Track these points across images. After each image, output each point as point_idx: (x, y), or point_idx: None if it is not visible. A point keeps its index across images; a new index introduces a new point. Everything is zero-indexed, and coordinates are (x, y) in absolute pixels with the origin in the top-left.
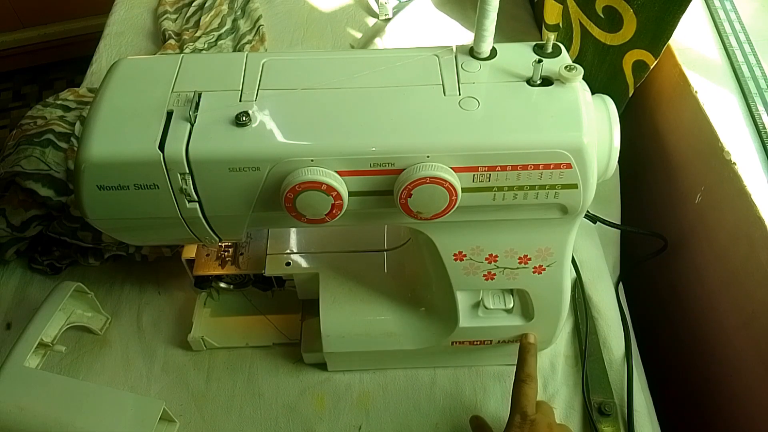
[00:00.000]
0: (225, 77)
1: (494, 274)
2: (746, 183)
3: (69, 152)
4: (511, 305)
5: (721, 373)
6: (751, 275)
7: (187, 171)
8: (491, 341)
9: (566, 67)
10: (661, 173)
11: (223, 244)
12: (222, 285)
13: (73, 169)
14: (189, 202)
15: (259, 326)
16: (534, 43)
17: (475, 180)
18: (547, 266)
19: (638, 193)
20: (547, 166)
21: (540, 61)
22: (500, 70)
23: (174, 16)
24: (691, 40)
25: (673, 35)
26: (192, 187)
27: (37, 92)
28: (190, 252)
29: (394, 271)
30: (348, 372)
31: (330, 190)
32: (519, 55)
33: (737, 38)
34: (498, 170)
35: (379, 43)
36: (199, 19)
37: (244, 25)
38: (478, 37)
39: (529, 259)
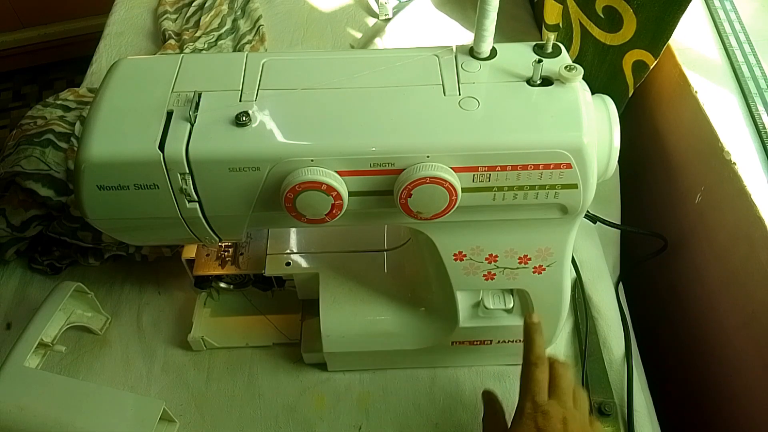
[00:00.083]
0: (225, 77)
1: (494, 274)
2: (746, 183)
3: (69, 152)
4: (511, 305)
5: (721, 373)
6: (751, 275)
7: (187, 171)
8: (491, 341)
9: (566, 67)
10: (661, 173)
11: (223, 244)
12: (222, 285)
13: (73, 169)
14: (189, 202)
15: (259, 326)
16: (534, 43)
17: (475, 180)
18: (547, 266)
19: (638, 193)
20: (547, 166)
21: (540, 61)
22: (500, 70)
23: (174, 16)
24: (691, 40)
25: (673, 35)
26: (192, 187)
27: (37, 92)
28: (190, 252)
29: (394, 271)
30: (348, 372)
31: (330, 190)
32: (519, 55)
33: (737, 38)
34: (498, 170)
35: (379, 43)
36: (199, 19)
37: (244, 25)
38: (478, 37)
39: (529, 259)
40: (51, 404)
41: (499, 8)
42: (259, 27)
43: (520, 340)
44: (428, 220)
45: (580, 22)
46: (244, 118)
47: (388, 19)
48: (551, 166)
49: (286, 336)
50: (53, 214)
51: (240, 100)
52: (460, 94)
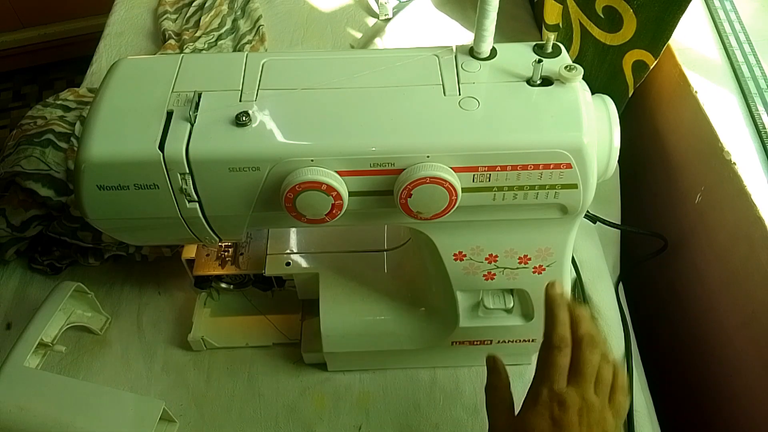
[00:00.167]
0: (225, 77)
1: (494, 274)
2: (746, 183)
3: (69, 152)
4: (511, 305)
5: (721, 373)
6: (751, 275)
7: (187, 171)
8: (491, 341)
9: (566, 67)
10: (661, 173)
11: (223, 244)
12: (222, 285)
13: (73, 169)
14: (189, 202)
15: (259, 326)
16: (534, 43)
17: (475, 180)
18: (547, 266)
19: (638, 193)
20: (547, 166)
21: (540, 61)
22: (500, 70)
23: (174, 16)
24: (691, 40)
25: (673, 35)
26: (192, 187)
27: (37, 92)
28: (190, 252)
29: (394, 271)
30: (348, 372)
31: (330, 190)
32: (519, 55)
33: (737, 38)
34: (498, 170)
35: (379, 43)
36: (199, 19)
37: (244, 25)
38: (478, 37)
39: (529, 259)
40: (51, 404)
41: (499, 8)
42: (259, 27)
43: (520, 340)
44: (428, 220)
45: (580, 22)
46: (244, 118)
47: (388, 19)
48: (551, 166)
49: (286, 336)
50: (53, 214)
51: (240, 100)
52: (460, 94)
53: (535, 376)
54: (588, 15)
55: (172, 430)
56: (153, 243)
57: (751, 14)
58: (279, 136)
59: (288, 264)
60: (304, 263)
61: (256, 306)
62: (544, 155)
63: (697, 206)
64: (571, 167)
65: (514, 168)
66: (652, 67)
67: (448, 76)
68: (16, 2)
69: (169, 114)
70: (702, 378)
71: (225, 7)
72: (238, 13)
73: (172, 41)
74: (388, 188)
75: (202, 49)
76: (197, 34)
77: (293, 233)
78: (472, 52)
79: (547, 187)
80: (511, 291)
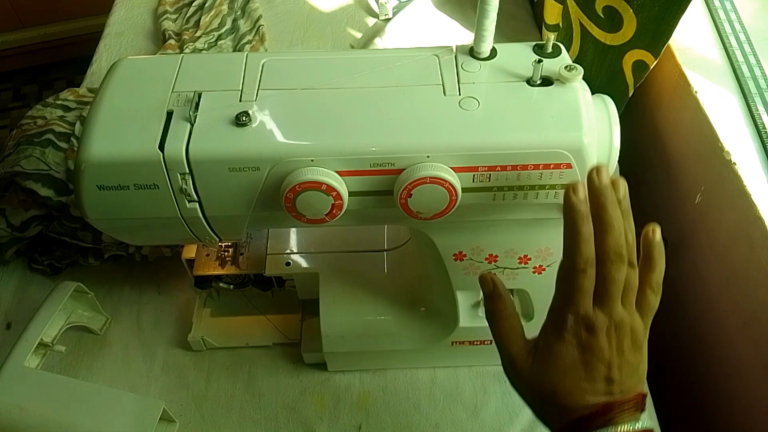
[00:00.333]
0: (225, 77)
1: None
2: (746, 183)
3: (69, 152)
4: None
5: (721, 373)
6: (751, 275)
7: (187, 171)
8: (491, 341)
9: (566, 67)
10: (661, 173)
11: (223, 244)
12: (222, 285)
13: (73, 169)
14: (189, 202)
15: (259, 326)
16: (534, 43)
17: (475, 180)
18: (547, 266)
19: (638, 193)
20: (547, 166)
21: (540, 61)
22: (500, 70)
23: (174, 16)
24: (691, 40)
25: (673, 35)
26: (192, 187)
27: (37, 92)
28: (190, 252)
29: (394, 271)
30: (348, 372)
31: (330, 190)
32: (519, 55)
33: (737, 38)
34: (498, 170)
35: (379, 43)
36: (199, 19)
37: (244, 25)
38: (478, 37)
39: (529, 259)
40: (51, 404)
41: (499, 8)
42: (259, 27)
43: None
44: (428, 220)
45: (580, 22)
46: (244, 118)
47: (388, 19)
48: (551, 166)
49: (286, 336)
50: (53, 214)
51: (240, 100)
52: (460, 94)
53: (555, 298)
54: (588, 15)
55: (172, 430)
56: (153, 243)
57: (751, 14)
58: (279, 136)
59: (288, 264)
60: (304, 263)
61: (256, 306)
62: (544, 155)
63: (697, 206)
64: (571, 167)
65: (514, 168)
66: (652, 67)
67: (448, 76)
68: (16, 2)
69: (169, 114)
70: (702, 378)
71: (225, 7)
72: (238, 13)
73: (172, 41)
74: (388, 188)
75: (202, 49)
76: (197, 34)
77: (293, 233)
78: (472, 52)
79: (547, 187)
80: (511, 291)
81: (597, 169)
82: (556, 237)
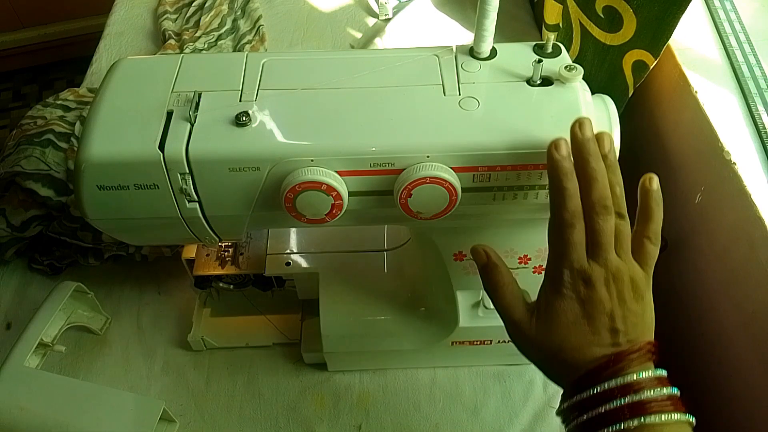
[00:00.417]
0: (225, 77)
1: None
2: (746, 183)
3: (69, 152)
4: None
5: (721, 373)
6: (751, 275)
7: (187, 171)
8: (491, 341)
9: (566, 67)
10: (661, 173)
11: (223, 244)
12: (222, 285)
13: (73, 169)
14: (189, 202)
15: (259, 326)
16: (534, 43)
17: (475, 180)
18: None
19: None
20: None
21: (540, 61)
22: (500, 70)
23: (174, 16)
24: (691, 40)
25: (673, 35)
26: (192, 187)
27: (37, 92)
28: (190, 252)
29: (394, 271)
30: (348, 372)
31: (330, 190)
32: (519, 55)
33: (737, 38)
34: (498, 170)
35: (379, 43)
36: (199, 19)
37: (244, 25)
38: (478, 37)
39: (529, 259)
40: (51, 404)
41: (499, 8)
42: (259, 27)
43: None
44: (428, 220)
45: (580, 22)
46: (244, 118)
47: (388, 19)
48: None
49: (286, 336)
50: (53, 214)
51: (240, 100)
52: (460, 94)
53: (549, 257)
54: (588, 15)
55: (172, 430)
56: (153, 243)
57: (751, 14)
58: (279, 136)
59: (288, 264)
60: (304, 263)
61: (256, 306)
62: (544, 155)
63: (697, 206)
64: None
65: (514, 168)
66: (652, 67)
67: (448, 76)
68: (16, 2)
69: (169, 114)
70: (702, 378)
71: (225, 7)
72: (238, 13)
73: (172, 41)
74: (388, 188)
75: (202, 49)
76: (197, 34)
77: (293, 233)
78: (472, 52)
79: (547, 187)
80: None
81: (579, 122)
82: None
